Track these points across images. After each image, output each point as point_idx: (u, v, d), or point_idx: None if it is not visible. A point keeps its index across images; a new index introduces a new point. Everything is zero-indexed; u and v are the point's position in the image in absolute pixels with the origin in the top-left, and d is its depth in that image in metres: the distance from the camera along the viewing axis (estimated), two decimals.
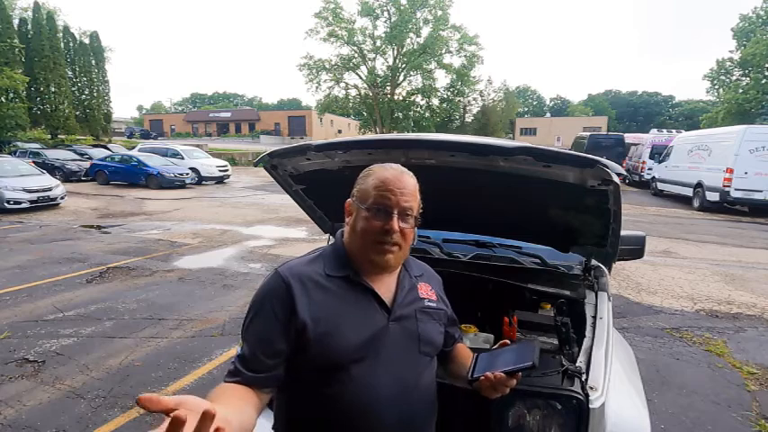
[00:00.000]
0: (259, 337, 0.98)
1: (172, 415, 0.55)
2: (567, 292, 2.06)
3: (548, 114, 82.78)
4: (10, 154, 17.25)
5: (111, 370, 3.48)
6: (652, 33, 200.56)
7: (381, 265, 1.05)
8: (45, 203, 11.47)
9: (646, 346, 4.05)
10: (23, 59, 24.99)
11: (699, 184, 13.03)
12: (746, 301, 5.33)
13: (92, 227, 9.48)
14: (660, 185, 16.00)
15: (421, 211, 1.09)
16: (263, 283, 1.05)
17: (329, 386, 0.99)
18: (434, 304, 1.16)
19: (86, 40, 32.75)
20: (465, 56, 36.57)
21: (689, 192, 13.65)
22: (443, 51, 36.06)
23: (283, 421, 1.08)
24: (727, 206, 12.20)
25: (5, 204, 10.73)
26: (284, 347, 0.98)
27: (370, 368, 1.00)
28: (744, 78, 32.88)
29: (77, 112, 30.74)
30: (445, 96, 39.22)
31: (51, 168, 16.48)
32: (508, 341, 1.14)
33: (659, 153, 16.71)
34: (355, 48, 36.49)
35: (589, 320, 1.78)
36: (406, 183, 1.05)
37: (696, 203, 13.13)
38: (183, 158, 18.76)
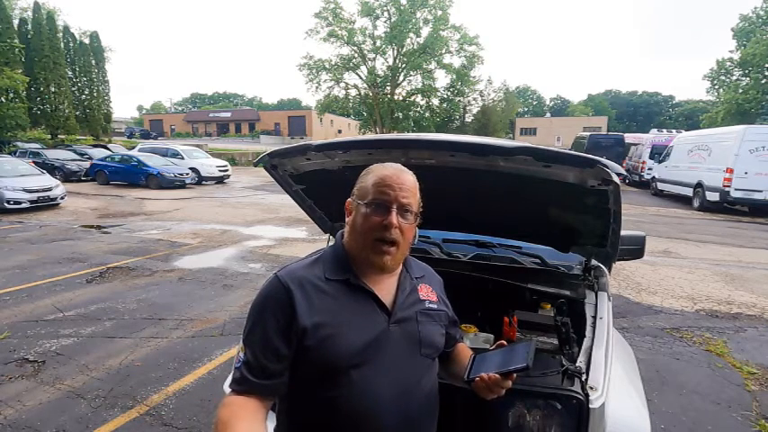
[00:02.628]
0: (262, 342, 0.98)
1: None
2: (567, 292, 2.06)
3: (548, 114, 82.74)
4: (10, 154, 17.24)
5: (111, 370, 3.48)
6: (652, 33, 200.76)
7: (379, 265, 1.04)
8: (45, 203, 11.47)
9: (646, 346, 4.05)
10: (23, 59, 24.97)
11: (699, 184, 13.04)
12: (746, 301, 5.33)
13: (92, 227, 9.48)
14: (660, 185, 16.01)
15: (421, 210, 1.09)
16: (263, 288, 1.05)
17: (330, 389, 0.99)
18: (435, 306, 1.16)
19: (86, 40, 32.74)
20: (465, 56, 36.58)
21: (689, 192, 13.65)
22: (443, 51, 36.05)
23: (285, 424, 1.08)
24: (727, 206, 12.20)
25: (5, 204, 10.73)
26: (287, 352, 0.98)
27: (370, 371, 1.00)
28: (744, 78, 32.86)
29: (77, 112, 30.72)
30: (445, 96, 39.23)
31: (51, 168, 16.49)
32: (505, 342, 1.14)
33: (659, 153, 16.72)
34: (355, 48, 36.49)
35: (589, 320, 1.78)
36: (405, 179, 1.06)
37: (696, 203, 13.14)
38: (183, 158, 18.76)
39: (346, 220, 1.11)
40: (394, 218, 1.01)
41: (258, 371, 0.97)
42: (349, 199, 1.10)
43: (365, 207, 1.04)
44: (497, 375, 1.01)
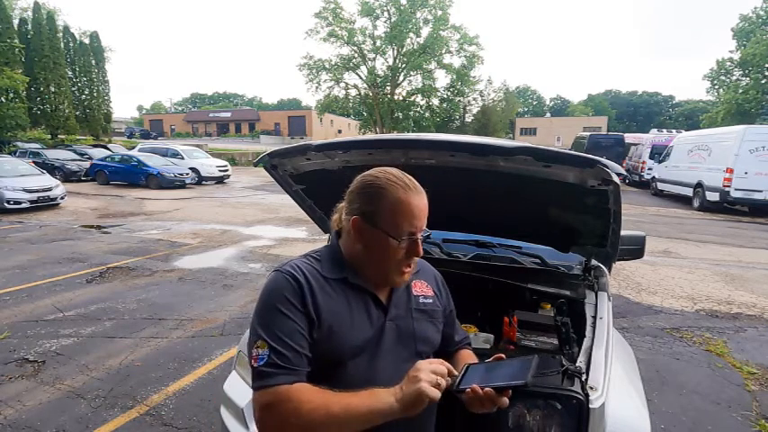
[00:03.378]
0: (291, 331, 0.95)
1: None
2: (567, 292, 2.06)
3: (548, 114, 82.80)
4: (10, 154, 17.25)
5: (111, 370, 3.48)
6: (652, 33, 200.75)
7: (400, 283, 1.07)
8: (45, 203, 11.47)
9: (646, 346, 4.05)
10: (23, 59, 24.98)
11: (699, 184, 13.04)
12: (746, 301, 5.33)
13: (92, 227, 9.48)
14: (660, 185, 16.01)
15: None
16: (270, 283, 1.02)
17: (328, 385, 0.99)
18: (430, 301, 1.16)
19: (86, 40, 32.75)
20: (465, 56, 36.59)
21: (689, 192, 13.66)
22: (443, 51, 36.06)
23: None
24: (727, 206, 12.21)
25: (5, 204, 10.73)
26: (311, 338, 0.97)
27: (366, 368, 1.00)
28: (744, 78, 32.87)
29: (77, 112, 30.72)
30: (445, 96, 39.22)
31: (51, 168, 16.49)
32: (503, 355, 1.08)
33: (659, 153, 16.72)
34: (355, 48, 36.50)
35: (589, 320, 1.78)
36: (425, 203, 1.05)
37: (696, 203, 13.14)
38: (183, 158, 18.76)
39: (350, 233, 1.07)
40: (421, 248, 1.03)
41: (297, 359, 0.94)
42: (356, 217, 1.04)
43: (394, 240, 1.01)
44: (492, 390, 0.91)
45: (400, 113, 38.25)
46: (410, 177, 1.06)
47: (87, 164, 18.19)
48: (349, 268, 1.07)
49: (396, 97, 37.88)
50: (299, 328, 0.96)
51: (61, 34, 29.42)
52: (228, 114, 63.57)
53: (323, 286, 1.02)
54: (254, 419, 0.95)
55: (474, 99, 42.45)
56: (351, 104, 39.85)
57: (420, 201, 1.03)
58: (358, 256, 1.07)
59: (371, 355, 1.01)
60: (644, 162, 18.31)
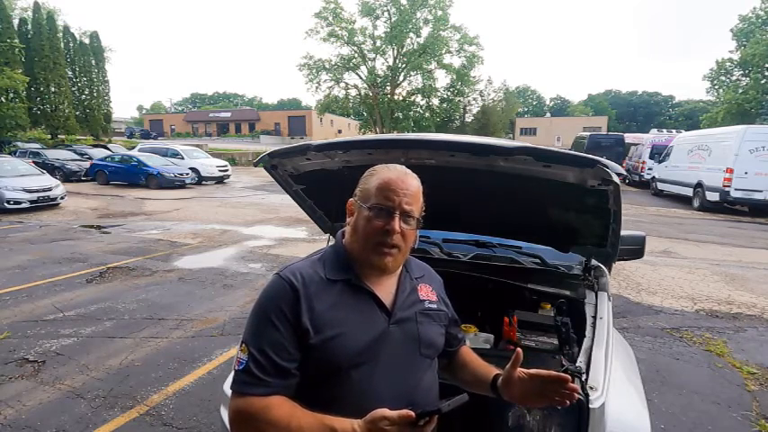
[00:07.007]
0: (275, 343, 0.96)
1: None
2: (567, 292, 2.06)
3: (548, 114, 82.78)
4: (10, 154, 17.24)
5: (111, 370, 3.48)
6: (652, 33, 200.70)
7: (380, 267, 1.04)
8: (45, 203, 11.47)
9: (646, 346, 4.05)
10: (23, 59, 24.96)
11: (699, 184, 13.04)
12: (746, 301, 5.33)
13: (92, 227, 9.48)
14: (660, 185, 16.01)
15: (423, 213, 1.09)
16: (268, 288, 1.04)
17: (331, 389, 0.98)
18: (435, 306, 1.16)
19: (86, 40, 32.72)
20: (465, 56, 36.56)
21: (689, 192, 13.65)
22: (443, 51, 36.02)
23: None
24: (727, 206, 12.21)
25: (5, 204, 10.73)
26: (298, 352, 0.98)
27: (370, 371, 1.00)
28: (744, 79, 32.86)
29: (77, 112, 30.69)
30: (445, 96, 39.20)
31: (51, 168, 16.50)
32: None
33: (659, 153, 16.72)
34: (355, 48, 36.48)
35: (589, 320, 1.78)
36: (409, 184, 1.05)
37: (696, 203, 13.14)
38: (183, 158, 18.77)
39: (347, 220, 1.10)
40: (396, 224, 1.01)
41: (275, 372, 0.95)
42: (351, 199, 1.09)
43: (368, 210, 1.03)
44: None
45: (400, 113, 38.22)
46: (407, 169, 1.10)
47: (87, 164, 18.19)
48: (352, 269, 1.07)
49: (396, 97, 37.85)
50: (285, 342, 0.96)
51: (61, 34, 29.38)
52: (228, 114, 63.55)
53: (324, 291, 1.02)
54: (228, 419, 0.98)
55: (474, 99, 42.42)
56: (351, 104, 39.81)
57: (401, 178, 1.05)
58: (351, 244, 1.08)
59: (374, 359, 1.01)
60: (644, 162, 18.31)
